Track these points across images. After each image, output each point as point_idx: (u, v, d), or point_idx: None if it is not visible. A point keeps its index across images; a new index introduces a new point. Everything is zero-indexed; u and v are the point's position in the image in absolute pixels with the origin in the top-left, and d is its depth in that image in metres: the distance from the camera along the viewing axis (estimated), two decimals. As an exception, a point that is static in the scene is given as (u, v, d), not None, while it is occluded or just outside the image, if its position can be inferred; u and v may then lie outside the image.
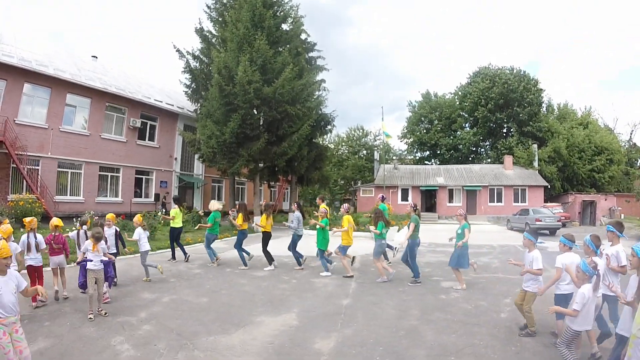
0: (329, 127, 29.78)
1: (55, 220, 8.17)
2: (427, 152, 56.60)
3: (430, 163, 54.56)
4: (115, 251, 8.77)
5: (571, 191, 40.75)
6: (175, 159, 28.88)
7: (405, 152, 60.32)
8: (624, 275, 5.56)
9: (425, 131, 54.53)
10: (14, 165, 19.66)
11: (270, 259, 11.41)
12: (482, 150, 53.38)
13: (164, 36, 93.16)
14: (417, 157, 58.17)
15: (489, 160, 49.43)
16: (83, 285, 7.22)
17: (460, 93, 54.35)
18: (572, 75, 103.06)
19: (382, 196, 12.91)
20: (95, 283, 6.79)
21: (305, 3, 55.00)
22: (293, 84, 22.23)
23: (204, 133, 22.54)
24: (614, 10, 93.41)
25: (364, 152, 59.40)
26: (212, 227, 11.88)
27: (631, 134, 53.75)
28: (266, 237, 11.43)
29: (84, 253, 7.01)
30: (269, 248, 11.42)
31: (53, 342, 5.62)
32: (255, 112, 22.57)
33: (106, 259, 7.23)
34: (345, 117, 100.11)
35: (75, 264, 8.25)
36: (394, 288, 9.39)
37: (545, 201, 38.20)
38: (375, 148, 53.00)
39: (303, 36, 27.69)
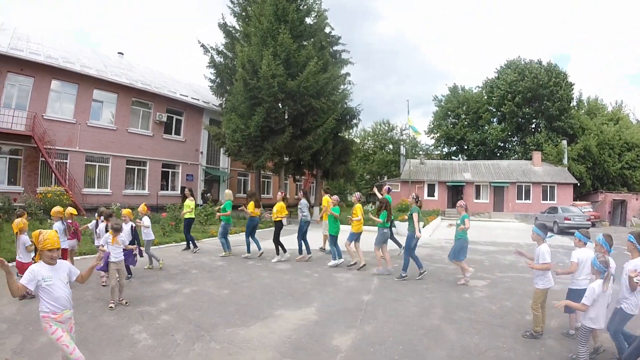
0: (355, 121, 29.61)
1: (70, 209, 8.54)
2: (454, 147, 55.70)
3: (457, 158, 53.78)
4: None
5: (601, 189, 39.47)
6: (201, 152, 29.19)
7: (432, 147, 59.58)
8: None
9: (452, 126, 53.73)
10: (43, 159, 20.24)
11: (281, 248, 11.45)
12: (510, 145, 52.18)
13: (189, 32, 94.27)
14: (444, 152, 57.37)
15: (517, 156, 48.29)
16: (103, 268, 7.23)
17: (487, 87, 53.16)
18: (602, 69, 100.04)
19: (389, 188, 12.82)
20: (117, 274, 6.87)
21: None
22: (317, 78, 22.13)
23: (229, 127, 22.67)
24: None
25: (390, 146, 58.87)
26: (228, 216, 11.87)
27: None
28: (277, 227, 11.45)
29: (104, 245, 7.06)
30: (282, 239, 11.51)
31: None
32: (280, 106, 22.61)
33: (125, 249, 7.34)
34: (370, 111, 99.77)
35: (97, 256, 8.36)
36: (416, 285, 9.22)
37: (575, 199, 37.09)
38: (402, 142, 52.50)
39: (327, 30, 27.52)
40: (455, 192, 39.93)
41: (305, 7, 24.52)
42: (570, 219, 23.40)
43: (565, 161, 40.55)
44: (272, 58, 20.86)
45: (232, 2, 27.61)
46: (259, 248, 11.66)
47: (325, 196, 12.53)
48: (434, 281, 9.58)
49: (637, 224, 30.87)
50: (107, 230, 8.16)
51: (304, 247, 11.58)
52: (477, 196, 39.61)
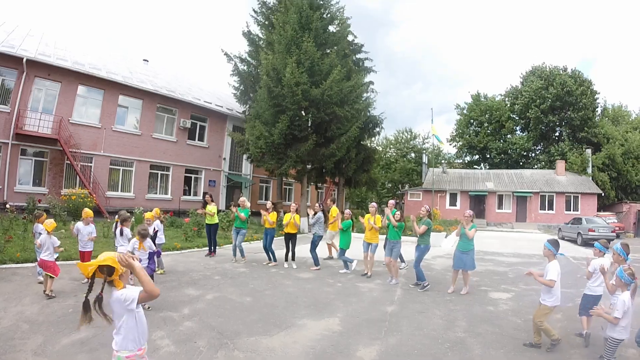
0: (378, 129, 29.61)
1: (89, 212, 8.68)
2: (477, 156, 55.11)
3: (479, 167, 53.15)
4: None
5: (625, 200, 38.51)
6: (224, 158, 29.42)
7: (454, 156, 59.07)
8: None
9: (474, 134, 53.14)
10: (68, 162, 20.67)
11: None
12: (533, 154, 51.38)
13: (213, 40, 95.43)
14: (467, 161, 56.83)
15: (540, 165, 47.49)
16: None
17: (511, 94, 52.62)
18: (627, 74, 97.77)
19: (395, 202, 12.74)
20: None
21: (352, 5, 54.99)
22: (341, 86, 22.16)
23: (252, 134, 22.81)
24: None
25: (412, 155, 58.56)
26: (243, 222, 11.94)
27: None
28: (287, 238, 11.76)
29: (133, 252, 7.11)
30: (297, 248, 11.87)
31: (95, 332, 5.65)
32: (304, 114, 22.65)
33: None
34: (393, 118, 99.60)
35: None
36: (441, 297, 9.08)
37: (598, 210, 36.28)
38: (424, 151, 52.16)
39: (350, 38, 27.60)
40: (478, 201, 39.43)
41: (328, 15, 24.60)
42: (594, 231, 22.79)
43: (589, 170, 39.67)
44: (295, 66, 20.93)
45: (255, 12, 27.91)
46: (275, 259, 11.83)
47: (333, 206, 12.61)
48: (457, 293, 9.44)
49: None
50: (121, 234, 8.38)
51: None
52: (500, 206, 39.04)
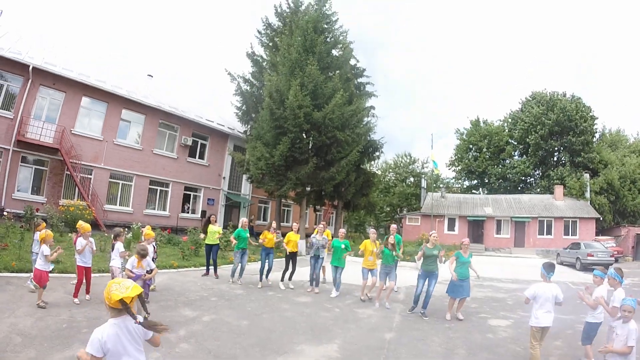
0: (377, 153, 29.75)
1: (87, 226, 8.49)
2: (475, 181, 55.24)
3: (478, 192, 53.19)
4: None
5: (623, 224, 38.48)
6: (224, 177, 29.41)
7: (453, 180, 59.22)
8: None
9: (473, 159, 53.32)
10: (68, 173, 20.60)
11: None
12: (532, 179, 51.56)
13: (217, 58, 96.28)
14: (465, 186, 56.95)
15: (539, 190, 47.57)
16: None
17: (510, 120, 53.10)
18: (624, 98, 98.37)
19: (395, 226, 12.77)
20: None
21: (352, 27, 55.70)
22: (343, 110, 22.35)
23: (253, 154, 22.90)
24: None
25: (411, 179, 58.67)
26: (238, 242, 11.84)
27: None
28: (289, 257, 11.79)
29: (131, 270, 7.05)
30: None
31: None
32: (305, 136, 22.78)
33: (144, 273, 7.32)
34: (392, 141, 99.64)
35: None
36: (440, 324, 9.00)
37: (597, 234, 36.16)
38: (423, 175, 52.16)
39: (352, 62, 27.93)
40: (476, 226, 39.33)
41: (332, 39, 24.92)
42: (593, 255, 22.66)
43: (587, 195, 39.72)
44: (299, 88, 21.12)
45: (259, 33, 28.28)
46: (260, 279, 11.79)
47: (326, 230, 12.56)
48: (455, 320, 9.36)
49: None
50: (112, 248, 8.41)
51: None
52: (498, 231, 38.89)
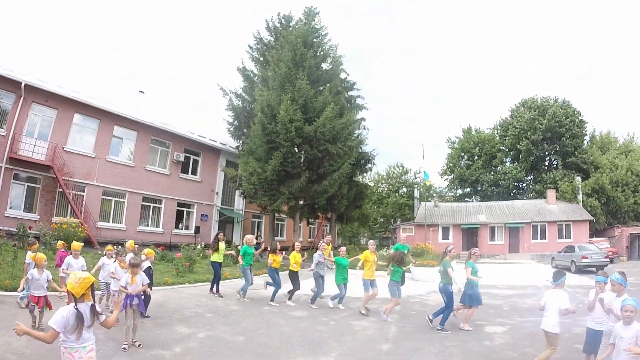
0: (369, 165, 29.87)
1: (77, 244, 8.50)
2: (468, 189, 55.52)
3: (471, 200, 53.40)
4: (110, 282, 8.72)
5: (617, 224, 38.76)
6: (217, 193, 29.41)
7: (446, 189, 59.44)
8: None
9: (465, 167, 53.70)
10: (60, 190, 20.50)
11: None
12: (524, 185, 51.93)
13: (209, 74, 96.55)
14: (458, 194, 57.19)
15: (532, 194, 47.90)
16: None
17: (500, 127, 53.64)
18: (614, 99, 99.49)
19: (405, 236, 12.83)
20: (133, 314, 6.78)
21: (345, 41, 56.22)
22: (334, 123, 22.48)
23: (245, 170, 22.97)
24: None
25: (404, 189, 58.87)
26: (246, 259, 11.84)
27: None
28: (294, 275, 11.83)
29: (125, 287, 6.94)
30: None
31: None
32: (297, 150, 22.86)
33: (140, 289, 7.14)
34: (385, 153, 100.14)
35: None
36: (435, 333, 8.99)
37: (591, 236, 36.35)
38: (416, 186, 52.40)
39: (342, 75, 28.20)
40: (470, 234, 39.48)
41: (322, 52, 25.15)
42: (587, 257, 22.76)
43: (579, 197, 40.00)
44: (290, 103, 21.26)
45: (250, 48, 28.49)
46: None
47: (328, 246, 12.58)
48: (452, 329, 9.37)
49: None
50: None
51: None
52: (492, 238, 39.05)
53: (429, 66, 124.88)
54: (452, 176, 55.77)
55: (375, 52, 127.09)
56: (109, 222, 23.19)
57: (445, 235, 39.38)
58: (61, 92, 20.79)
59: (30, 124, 20.21)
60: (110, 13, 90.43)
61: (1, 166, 18.79)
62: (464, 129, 56.84)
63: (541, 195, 44.62)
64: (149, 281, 7.53)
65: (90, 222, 21.29)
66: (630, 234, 34.19)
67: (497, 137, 53.31)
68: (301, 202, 24.73)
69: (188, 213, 27.90)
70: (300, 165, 23.11)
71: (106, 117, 22.94)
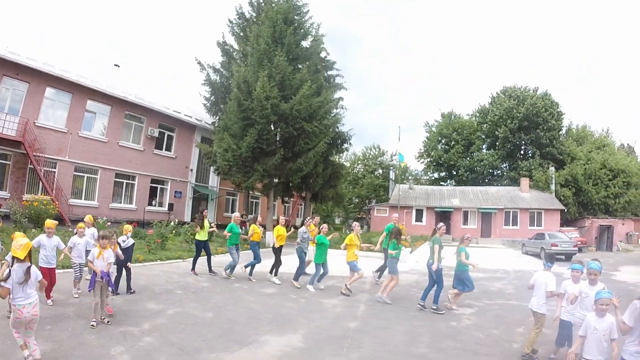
0: (346, 145, 29.73)
1: (51, 222, 8.07)
2: (444, 173, 56.15)
3: (446, 184, 54.04)
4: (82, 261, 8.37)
5: (587, 215, 39.87)
6: (191, 170, 29.02)
7: (422, 173, 59.93)
8: None
9: (443, 151, 54.21)
10: (31, 166, 19.91)
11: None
12: (499, 172, 52.77)
13: (187, 48, 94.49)
14: (433, 178, 57.73)
15: (507, 181, 48.74)
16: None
17: (479, 114, 54.26)
18: (593, 96, 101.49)
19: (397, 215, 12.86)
20: (100, 291, 6.65)
21: (327, 23, 55.55)
22: (310, 101, 22.33)
23: (220, 146, 22.71)
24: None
25: (380, 171, 59.13)
26: (231, 238, 11.67)
27: None
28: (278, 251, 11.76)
29: (92, 261, 6.73)
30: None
31: (52, 346, 5.53)
32: (272, 128, 22.68)
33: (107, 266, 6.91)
34: (362, 135, 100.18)
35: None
36: (404, 312, 9.14)
37: (561, 225, 37.34)
38: (392, 167, 52.54)
39: (322, 54, 27.84)
40: (444, 217, 39.94)
41: (302, 30, 24.80)
42: (557, 245, 23.40)
43: (552, 187, 40.93)
44: (267, 80, 20.99)
45: (231, 22, 27.92)
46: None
47: (312, 224, 12.53)
48: (421, 309, 9.51)
49: (624, 248, 31.12)
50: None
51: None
52: (465, 222, 39.66)
53: (428, 66, 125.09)
54: (428, 160, 56.23)
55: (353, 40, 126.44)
56: (81, 199, 22.71)
57: (419, 218, 39.82)
58: (33, 64, 20.00)
59: (1, 99, 19.46)
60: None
61: (-30, 143, 18.09)
62: (444, 114, 57.14)
63: (515, 182, 45.47)
64: (114, 259, 7.31)
65: (62, 199, 20.80)
66: (600, 225, 35.22)
67: (476, 124, 53.88)
68: (276, 180, 24.65)
69: (162, 190, 27.52)
70: (275, 142, 23.02)
71: (79, 91, 22.24)
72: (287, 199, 34.89)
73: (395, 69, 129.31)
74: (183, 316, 7.54)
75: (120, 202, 24.80)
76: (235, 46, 27.67)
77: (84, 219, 9.84)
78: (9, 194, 19.34)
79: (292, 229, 13.92)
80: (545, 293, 6.46)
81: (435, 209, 39.85)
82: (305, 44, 25.39)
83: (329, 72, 29.04)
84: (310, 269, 11.83)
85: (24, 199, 19.00)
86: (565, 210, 39.45)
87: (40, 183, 20.23)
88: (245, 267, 11.69)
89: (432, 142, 55.88)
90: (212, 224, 12.71)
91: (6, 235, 11.00)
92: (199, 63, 27.25)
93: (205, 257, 11.99)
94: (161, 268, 12.22)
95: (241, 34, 27.37)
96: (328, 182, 28.09)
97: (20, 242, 4.89)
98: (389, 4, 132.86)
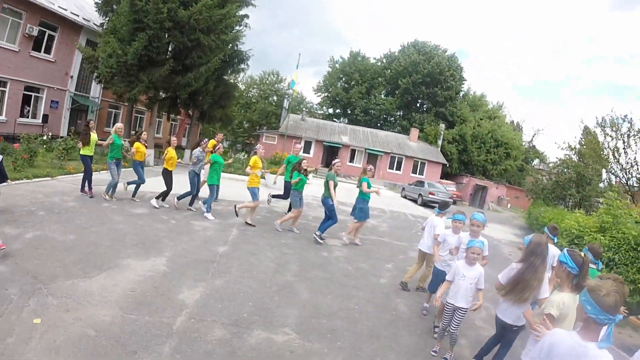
0: (243, 65, 28.47)
1: None
2: (339, 110, 57.24)
3: (339, 121, 55.15)
4: None
5: (466, 174, 43.51)
6: (71, 77, 26.03)
7: (317, 107, 60.42)
8: None
9: (342, 89, 54.84)
10: None
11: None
12: (393, 119, 54.95)
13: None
14: (327, 113, 58.63)
15: (398, 129, 51.30)
16: None
17: (385, 59, 55.38)
18: (494, 72, 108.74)
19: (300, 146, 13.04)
20: None
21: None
22: (212, 12, 20.97)
23: (104, 50, 20.61)
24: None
25: (275, 98, 58.60)
26: (111, 151, 10.87)
27: (533, 136, 57.68)
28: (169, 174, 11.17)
29: None
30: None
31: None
32: (165, 36, 20.96)
33: None
34: (263, 60, 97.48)
35: None
36: (276, 239, 9.41)
37: (442, 178, 40.49)
38: (287, 96, 52.10)
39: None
40: (331, 152, 41.12)
41: None
42: (434, 194, 25.48)
43: (439, 142, 44.11)
44: (167, -20, 19.16)
45: None
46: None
47: (212, 140, 12.25)
48: (294, 237, 9.87)
49: (494, 209, 34.60)
50: None
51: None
52: (352, 160, 41.34)
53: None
54: (325, 94, 56.70)
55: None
56: None
57: (307, 150, 40.44)
58: None
59: None
60: None
61: None
62: (352, 52, 57.08)
63: (406, 132, 48.06)
64: None
65: None
66: (476, 184, 38.95)
67: (380, 69, 55.20)
68: (162, 94, 23.39)
69: (36, 99, 24.35)
70: (166, 52, 21.56)
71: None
72: (173, 116, 33.29)
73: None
74: (42, 240, 6.97)
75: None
76: None
77: None
78: None
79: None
80: (433, 235, 6.80)
81: (324, 143, 40.74)
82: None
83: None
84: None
85: None
86: (448, 165, 42.96)
87: None
88: (129, 184, 11.15)
89: (333, 78, 56.15)
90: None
91: None
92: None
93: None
94: (26, 187, 10.93)
95: None
96: (218, 102, 27.12)
97: None
98: None
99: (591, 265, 5.12)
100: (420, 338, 5.65)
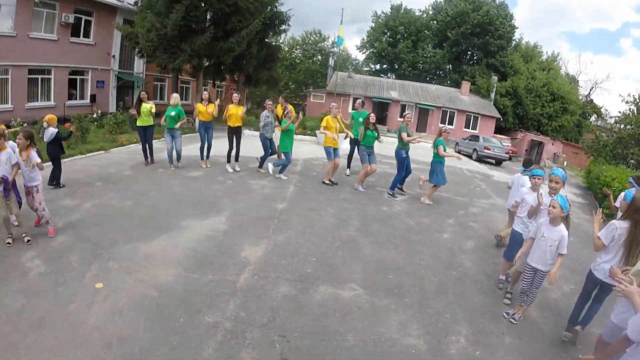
0: (284, 26, 27.65)
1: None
2: (386, 66, 54.99)
3: (386, 76, 53.34)
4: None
5: (521, 129, 41.23)
6: (114, 56, 26.36)
7: (363, 63, 58.57)
8: None
9: (387, 44, 52.57)
10: None
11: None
12: (442, 72, 52.45)
13: None
14: (374, 69, 56.58)
15: (448, 83, 48.86)
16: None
17: (431, 11, 52.49)
18: (546, 20, 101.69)
19: (362, 102, 12.21)
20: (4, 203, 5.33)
21: None
22: (246, -25, 20.39)
23: (143, 26, 20.57)
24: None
25: (319, 57, 57.35)
26: (168, 122, 10.26)
27: (590, 90, 53.40)
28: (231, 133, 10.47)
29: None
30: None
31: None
32: (202, 5, 20.69)
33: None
34: (304, 20, 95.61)
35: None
36: (335, 194, 9.07)
37: (496, 132, 38.51)
38: (331, 54, 50.78)
39: None
40: (381, 108, 39.96)
41: None
42: (490, 149, 23.82)
43: (492, 96, 41.63)
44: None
45: None
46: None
47: (277, 106, 11.31)
48: (353, 192, 9.49)
49: (550, 165, 32.77)
50: None
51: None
52: (402, 115, 39.91)
53: None
54: (371, 50, 54.61)
55: None
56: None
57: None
58: None
59: None
60: None
61: None
62: (393, 5, 54.25)
63: (457, 85, 45.58)
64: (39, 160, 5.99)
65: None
66: (532, 140, 36.41)
67: (426, 21, 52.19)
68: (206, 62, 23.17)
69: (82, 81, 24.95)
70: (205, 20, 21.20)
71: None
72: (219, 82, 33.22)
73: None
74: (100, 208, 6.91)
75: (38, 101, 22.44)
76: None
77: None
78: None
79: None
80: (520, 193, 5.94)
81: (373, 99, 39.55)
82: None
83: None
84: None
85: None
86: (502, 119, 40.49)
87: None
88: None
89: (377, 33, 53.76)
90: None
91: None
92: None
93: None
94: (82, 162, 11.07)
95: None
96: (263, 65, 26.51)
97: None
98: None
99: None
100: (486, 296, 5.24)
